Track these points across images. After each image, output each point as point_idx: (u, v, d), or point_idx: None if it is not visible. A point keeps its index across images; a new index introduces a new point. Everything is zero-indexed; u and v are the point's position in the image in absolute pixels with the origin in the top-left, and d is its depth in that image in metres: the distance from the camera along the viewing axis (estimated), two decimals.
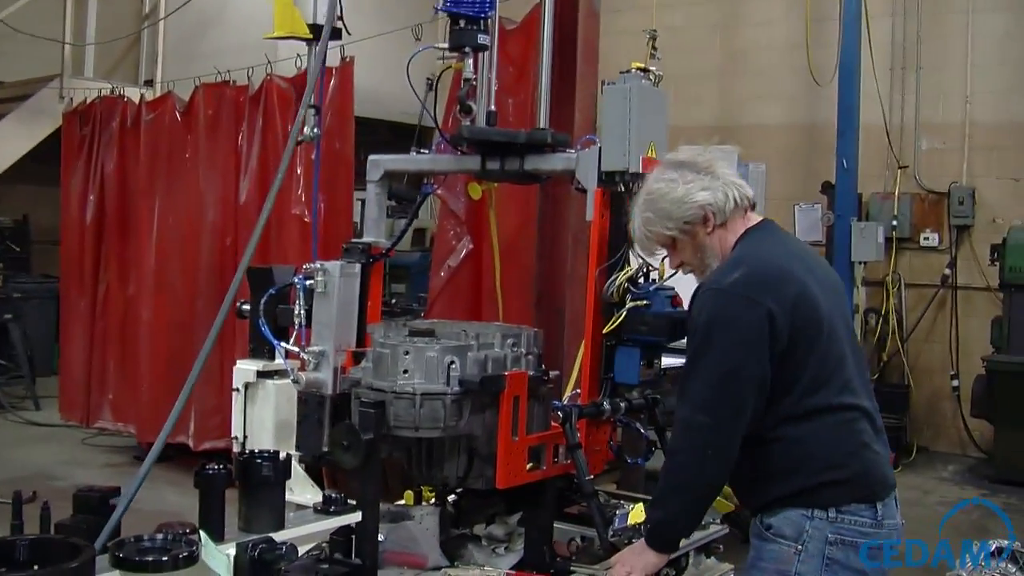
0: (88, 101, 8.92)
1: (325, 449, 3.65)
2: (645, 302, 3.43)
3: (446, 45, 3.62)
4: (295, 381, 3.46)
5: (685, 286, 3.44)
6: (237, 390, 3.62)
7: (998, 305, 9.79)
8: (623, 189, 3.50)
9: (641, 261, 3.52)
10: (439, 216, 6.20)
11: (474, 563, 3.43)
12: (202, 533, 2.38)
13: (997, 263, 9.33)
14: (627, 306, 3.43)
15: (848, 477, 2.92)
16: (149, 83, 11.26)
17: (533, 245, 5.68)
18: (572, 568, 3.37)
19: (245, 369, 3.62)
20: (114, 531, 2.58)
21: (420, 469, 3.43)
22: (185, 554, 2.31)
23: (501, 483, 3.25)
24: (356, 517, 2.87)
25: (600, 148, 3.47)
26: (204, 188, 7.68)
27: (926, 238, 10.41)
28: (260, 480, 2.56)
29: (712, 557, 3.72)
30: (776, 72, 10.93)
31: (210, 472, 2.48)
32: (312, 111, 4.18)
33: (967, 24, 10.09)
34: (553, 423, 3.45)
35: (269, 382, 3.58)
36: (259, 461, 2.58)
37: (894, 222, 10.29)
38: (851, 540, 2.90)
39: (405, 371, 3.16)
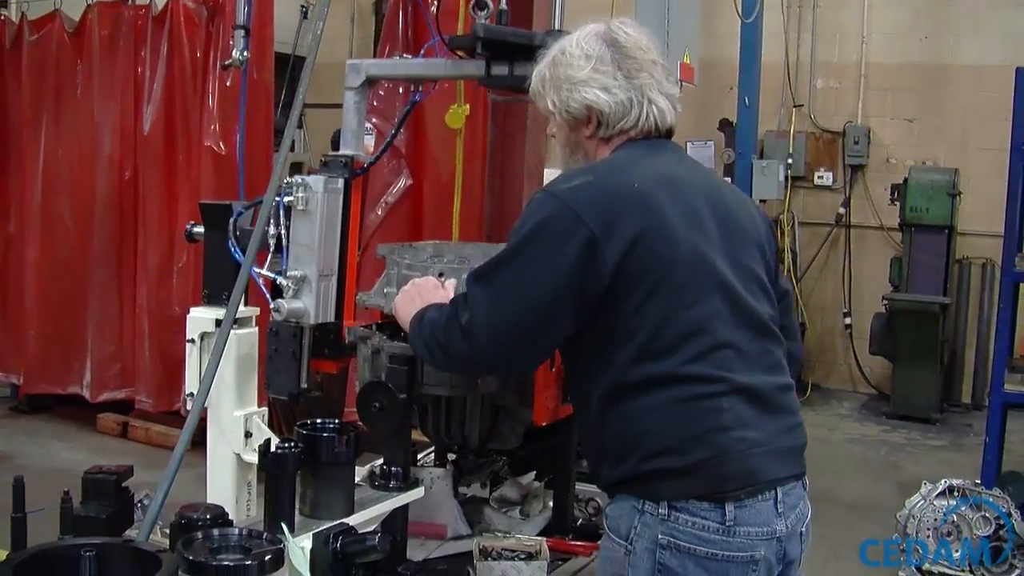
0: None
1: (304, 386, 3.25)
2: None
3: None
4: (275, 310, 3.04)
5: None
6: (192, 341, 3.20)
7: (891, 244, 9.94)
8: None
9: None
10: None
11: (497, 530, 3.15)
12: (283, 527, 2.00)
13: (897, 203, 9.41)
14: None
15: (686, 466, 2.25)
16: (3, 3, 10.36)
17: (481, 179, 5.38)
18: (600, 531, 3.12)
19: (201, 317, 3.20)
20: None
21: (437, 430, 3.12)
22: (270, 556, 1.86)
23: (540, 418, 2.95)
24: (419, 494, 2.53)
25: None
26: (99, 117, 6.99)
27: (820, 177, 10.44)
28: (331, 458, 2.18)
29: None
30: None
31: (280, 452, 2.07)
32: (241, 32, 3.75)
33: None
34: None
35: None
36: (326, 435, 2.19)
37: (789, 160, 10.25)
38: (687, 547, 2.25)
39: None
